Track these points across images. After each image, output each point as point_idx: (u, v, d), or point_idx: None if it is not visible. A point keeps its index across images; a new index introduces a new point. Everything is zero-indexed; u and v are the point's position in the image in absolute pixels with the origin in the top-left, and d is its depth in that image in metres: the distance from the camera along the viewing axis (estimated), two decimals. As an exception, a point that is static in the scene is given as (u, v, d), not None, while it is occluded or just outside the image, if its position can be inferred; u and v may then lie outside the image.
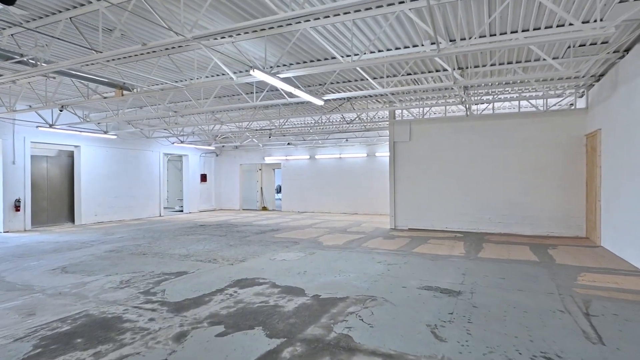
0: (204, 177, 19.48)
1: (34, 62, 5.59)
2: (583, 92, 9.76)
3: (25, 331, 3.58)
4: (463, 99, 8.96)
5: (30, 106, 10.90)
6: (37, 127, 11.29)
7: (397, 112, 12.38)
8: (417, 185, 11.42)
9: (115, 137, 13.67)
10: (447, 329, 3.66)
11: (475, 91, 10.15)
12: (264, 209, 20.94)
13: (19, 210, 11.30)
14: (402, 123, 11.61)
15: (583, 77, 8.60)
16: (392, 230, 11.15)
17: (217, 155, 20.49)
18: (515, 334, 3.54)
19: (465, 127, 10.88)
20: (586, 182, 9.56)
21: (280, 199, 24.44)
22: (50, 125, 11.09)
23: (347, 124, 12.90)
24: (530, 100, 10.29)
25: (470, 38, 6.08)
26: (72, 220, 13.21)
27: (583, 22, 5.52)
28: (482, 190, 10.66)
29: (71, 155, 13.36)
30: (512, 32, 6.05)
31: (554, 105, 10.92)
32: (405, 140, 11.58)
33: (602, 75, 8.40)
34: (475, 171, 10.75)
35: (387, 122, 13.32)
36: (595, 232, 8.82)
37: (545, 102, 10.03)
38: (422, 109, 11.56)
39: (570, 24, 5.46)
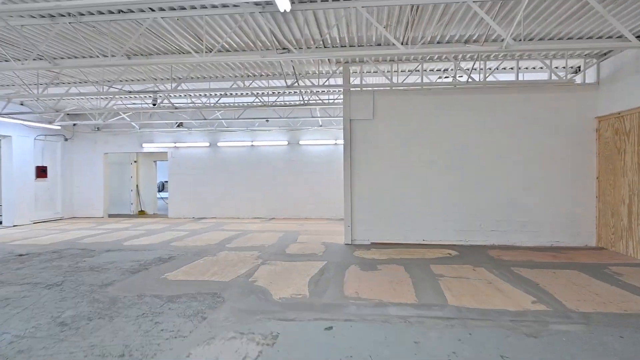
0: (41, 171, 12.86)
1: None
2: (591, 61, 7.65)
3: None
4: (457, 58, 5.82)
5: None
6: None
7: (354, 80, 8.79)
8: (383, 182, 8.04)
9: None
10: None
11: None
12: (141, 213, 15.26)
13: None
14: (363, 93, 8.08)
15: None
16: (353, 247, 7.54)
17: (66, 140, 13.93)
18: None
19: (450, 102, 7.90)
20: (597, 177, 7.50)
21: (162, 199, 18.77)
22: None
23: (276, 90, 8.81)
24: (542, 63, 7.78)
25: None
26: None
27: None
28: (470, 189, 7.85)
29: None
30: None
31: (570, 75, 8.62)
32: (366, 118, 8.07)
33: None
34: (462, 163, 7.88)
35: (338, 94, 9.68)
36: (622, 241, 6.73)
37: (549, 71, 7.68)
38: (390, 76, 8.19)
39: None
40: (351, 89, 8.06)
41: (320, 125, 12.79)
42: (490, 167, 7.79)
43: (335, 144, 12.81)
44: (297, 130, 13.04)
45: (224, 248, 7.67)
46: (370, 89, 8.08)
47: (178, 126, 13.52)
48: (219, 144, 13.36)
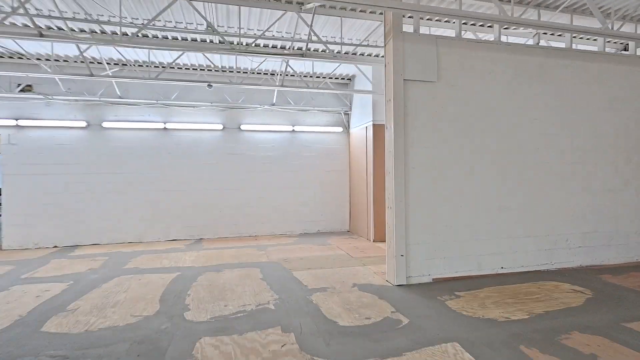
0: None
1: None
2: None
3: None
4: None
5: None
6: None
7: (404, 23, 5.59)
8: (449, 182, 5.15)
9: None
10: None
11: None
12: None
13: None
14: (421, 40, 5.01)
15: None
16: (419, 291, 4.41)
17: None
18: None
19: (534, 67, 5.51)
20: (675, 174, 6.22)
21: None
22: None
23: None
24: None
25: None
26: None
27: None
28: (553, 190, 5.64)
29: None
30: None
31: None
32: (427, 80, 5.04)
33: None
34: (544, 154, 5.61)
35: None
36: None
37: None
38: (456, 21, 5.32)
39: None
40: (404, 33, 4.91)
41: (273, 104, 9.07)
42: (573, 161, 5.74)
43: (293, 130, 9.28)
44: (237, 109, 9.00)
45: (193, 328, 3.55)
46: (429, 33, 5.08)
47: (23, 90, 7.84)
48: (105, 124, 8.25)
